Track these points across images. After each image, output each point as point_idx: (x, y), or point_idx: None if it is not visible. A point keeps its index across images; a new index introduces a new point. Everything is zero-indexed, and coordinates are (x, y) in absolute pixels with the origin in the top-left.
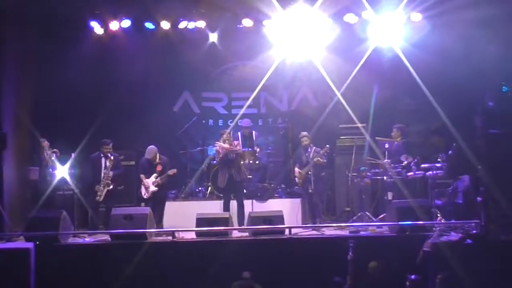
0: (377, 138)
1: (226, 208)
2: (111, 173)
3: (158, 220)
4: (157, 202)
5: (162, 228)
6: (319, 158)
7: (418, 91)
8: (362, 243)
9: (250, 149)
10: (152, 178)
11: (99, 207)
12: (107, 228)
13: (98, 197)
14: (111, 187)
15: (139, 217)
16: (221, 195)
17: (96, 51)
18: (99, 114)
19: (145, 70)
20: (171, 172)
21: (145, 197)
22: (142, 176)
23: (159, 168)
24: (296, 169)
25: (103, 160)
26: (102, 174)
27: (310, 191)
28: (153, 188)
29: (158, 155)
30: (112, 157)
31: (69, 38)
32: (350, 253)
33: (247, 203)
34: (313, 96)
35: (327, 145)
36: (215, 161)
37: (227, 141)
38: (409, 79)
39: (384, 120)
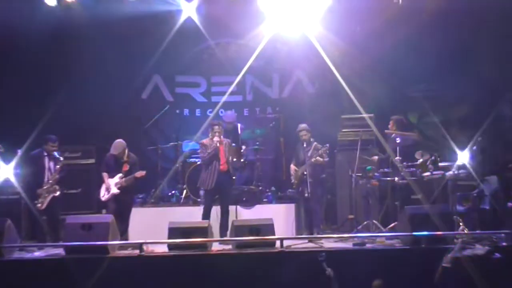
0: (386, 131)
1: (206, 215)
2: (57, 176)
3: (123, 230)
4: (122, 208)
5: (128, 240)
6: (318, 157)
7: (436, 74)
8: (368, 257)
9: (233, 144)
10: (116, 178)
11: (42, 215)
12: (56, 240)
13: (40, 204)
14: (58, 193)
15: (99, 226)
16: (199, 200)
17: (47, 28)
18: (52, 103)
19: (107, 50)
20: (139, 174)
21: (103, 199)
22: (104, 174)
23: (125, 167)
24: (292, 166)
25: (46, 160)
26: (46, 178)
27: (307, 195)
28: (114, 190)
29: (126, 151)
30: (60, 158)
31: (13, 12)
32: (328, 269)
33: (231, 209)
34: (309, 80)
35: (327, 144)
36: (193, 159)
37: (217, 134)
38: (423, 60)
39: (394, 109)
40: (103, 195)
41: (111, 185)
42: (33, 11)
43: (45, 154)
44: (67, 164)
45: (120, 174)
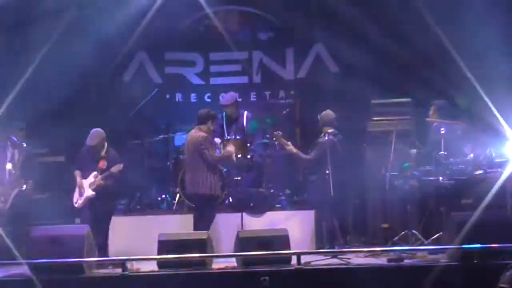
0: (428, 119)
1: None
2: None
3: (101, 244)
4: (99, 216)
5: (107, 255)
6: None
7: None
8: (406, 276)
9: (237, 137)
10: (90, 178)
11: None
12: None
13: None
14: (23, 187)
15: (72, 240)
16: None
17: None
18: (10, 88)
19: (79, 22)
20: (115, 168)
21: (76, 205)
22: (77, 173)
23: (102, 164)
24: None
25: (9, 150)
26: (7, 171)
27: (329, 198)
28: (89, 193)
29: (106, 145)
30: (24, 145)
31: None
32: None
33: (234, 218)
34: (331, 56)
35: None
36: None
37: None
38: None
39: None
40: (76, 200)
41: (84, 187)
42: None
43: (8, 143)
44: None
45: (95, 173)
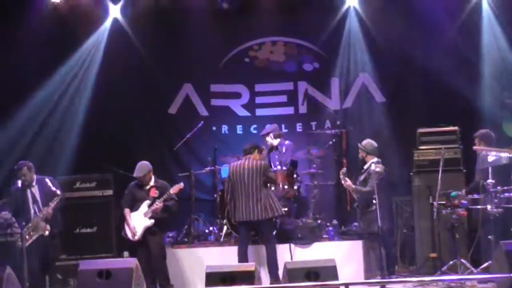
0: (475, 147)
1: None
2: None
3: (163, 278)
4: (151, 248)
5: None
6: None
7: None
8: None
9: (283, 167)
10: (144, 206)
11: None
12: None
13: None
14: (47, 232)
15: (120, 273)
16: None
17: (50, 27)
18: (53, 119)
19: (124, 54)
20: (175, 189)
21: (133, 239)
22: (126, 211)
23: (153, 192)
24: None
25: (28, 191)
26: (32, 211)
27: (376, 229)
28: (147, 223)
29: (152, 175)
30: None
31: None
32: None
33: (282, 249)
34: (378, 86)
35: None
36: None
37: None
38: None
39: (486, 120)
40: (132, 235)
41: (140, 218)
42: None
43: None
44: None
45: (148, 202)
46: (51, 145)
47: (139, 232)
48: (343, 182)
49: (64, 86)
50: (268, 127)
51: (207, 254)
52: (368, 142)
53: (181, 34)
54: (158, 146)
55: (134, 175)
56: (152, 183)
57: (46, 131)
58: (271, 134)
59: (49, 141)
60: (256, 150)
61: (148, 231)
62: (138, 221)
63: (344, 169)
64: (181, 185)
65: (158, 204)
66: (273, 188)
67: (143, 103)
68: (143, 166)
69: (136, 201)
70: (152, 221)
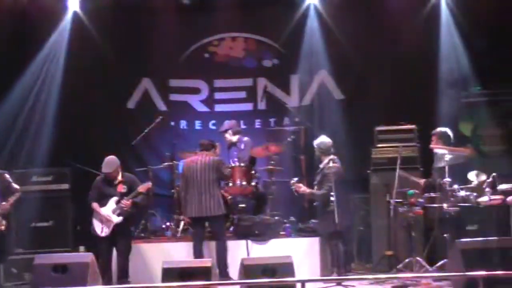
0: (432, 146)
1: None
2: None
3: (121, 272)
4: (118, 243)
5: (129, 281)
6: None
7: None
8: None
9: (241, 164)
10: (111, 203)
11: None
12: None
13: None
14: (2, 226)
15: (76, 267)
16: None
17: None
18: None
19: (84, 48)
20: (143, 188)
21: (103, 235)
22: (94, 205)
23: (120, 187)
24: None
25: None
26: None
27: (335, 227)
28: (116, 219)
29: (120, 171)
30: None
31: None
32: None
33: (239, 245)
34: (337, 83)
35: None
36: None
37: None
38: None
39: (443, 119)
40: (102, 230)
41: (109, 215)
42: None
43: None
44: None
45: (115, 198)
46: (7, 139)
47: (107, 228)
48: (296, 189)
49: (28, 82)
50: (227, 123)
51: (164, 250)
52: (321, 142)
53: (141, 29)
54: (116, 140)
55: (102, 170)
56: (119, 178)
57: (4, 125)
58: (230, 131)
59: (5, 134)
60: (214, 149)
61: (116, 226)
62: (107, 218)
63: (294, 179)
64: (149, 184)
65: (126, 202)
66: (230, 184)
67: (102, 98)
68: (111, 162)
69: (104, 197)
70: (121, 218)
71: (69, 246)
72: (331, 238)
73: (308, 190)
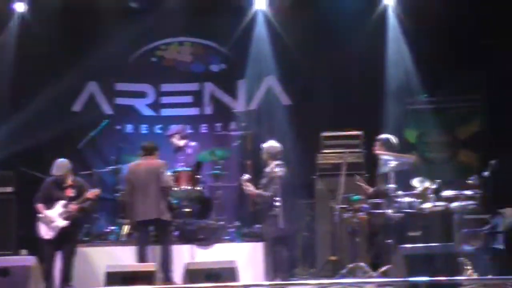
0: (377, 152)
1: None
2: None
3: (65, 277)
4: (63, 247)
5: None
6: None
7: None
8: None
9: (186, 168)
10: (58, 207)
11: None
12: None
13: None
14: None
15: (18, 271)
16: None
17: None
18: None
19: (31, 50)
20: (91, 194)
21: (48, 237)
22: (40, 206)
23: (69, 191)
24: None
25: None
26: None
27: (279, 231)
28: (62, 223)
29: (71, 174)
30: None
31: None
32: None
33: (183, 249)
34: (284, 89)
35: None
36: None
37: None
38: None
39: (388, 126)
40: (47, 233)
41: (54, 218)
42: None
43: None
44: None
45: (63, 202)
46: None
47: (52, 231)
48: (244, 188)
49: None
50: (174, 127)
51: (108, 254)
52: (270, 146)
53: (88, 33)
54: (61, 143)
55: (53, 173)
56: (69, 181)
57: None
58: (178, 135)
59: None
60: (157, 150)
61: (61, 230)
62: (52, 220)
63: (245, 176)
64: (98, 191)
65: (73, 207)
66: (175, 188)
67: (48, 101)
68: (62, 165)
69: (52, 200)
70: (67, 222)
71: (12, 249)
72: (275, 243)
73: (255, 191)
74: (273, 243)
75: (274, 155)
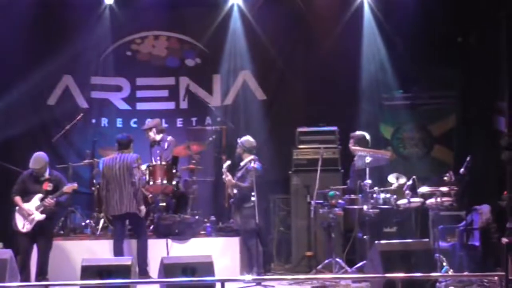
0: (353, 147)
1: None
2: None
3: (40, 270)
4: (39, 240)
5: (47, 280)
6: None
7: (415, 79)
8: None
9: (163, 162)
10: (35, 200)
11: None
12: None
13: None
14: None
15: None
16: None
17: None
18: None
19: (6, 42)
20: (68, 188)
21: (24, 230)
22: (17, 198)
23: (46, 185)
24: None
25: None
26: None
27: (254, 226)
28: (39, 216)
29: (48, 168)
30: None
31: None
32: None
33: (159, 244)
34: (260, 83)
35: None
36: None
37: None
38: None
39: (364, 122)
40: (23, 225)
41: (32, 210)
42: None
43: None
44: None
45: (40, 195)
46: None
47: (29, 224)
48: (224, 176)
49: None
50: (150, 121)
51: (83, 247)
52: (247, 140)
53: (63, 26)
54: (36, 137)
55: (30, 166)
56: (46, 175)
57: None
58: (154, 129)
59: None
60: (131, 143)
61: (38, 223)
62: (30, 213)
63: (227, 163)
64: (75, 185)
65: (50, 201)
66: (151, 183)
67: (23, 94)
68: (40, 158)
69: (28, 193)
70: (44, 216)
71: None
72: (251, 236)
73: (234, 181)
74: (248, 237)
75: (249, 150)
